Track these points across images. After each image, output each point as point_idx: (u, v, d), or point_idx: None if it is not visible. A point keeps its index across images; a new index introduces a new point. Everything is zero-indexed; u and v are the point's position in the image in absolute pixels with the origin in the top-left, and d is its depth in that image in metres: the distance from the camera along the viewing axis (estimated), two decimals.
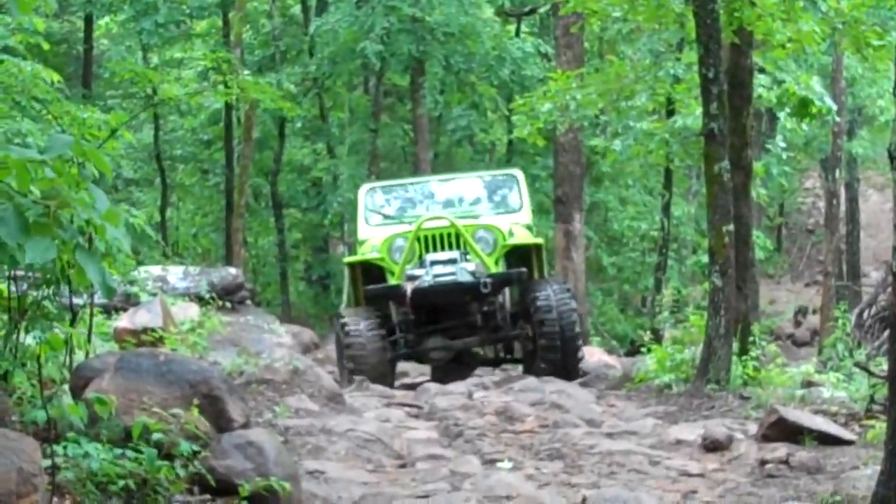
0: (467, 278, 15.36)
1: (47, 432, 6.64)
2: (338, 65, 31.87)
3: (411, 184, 19.90)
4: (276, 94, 16.69)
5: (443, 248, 15.80)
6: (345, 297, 30.04)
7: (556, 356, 15.42)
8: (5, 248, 4.32)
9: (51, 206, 4.36)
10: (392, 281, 15.84)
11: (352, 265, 17.41)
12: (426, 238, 15.87)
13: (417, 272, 15.47)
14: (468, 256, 15.68)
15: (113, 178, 32.40)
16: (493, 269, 15.68)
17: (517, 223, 17.08)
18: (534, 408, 13.03)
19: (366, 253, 16.60)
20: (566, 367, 15.49)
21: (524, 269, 15.92)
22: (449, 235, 15.84)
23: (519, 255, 16.32)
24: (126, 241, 4.65)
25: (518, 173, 18.94)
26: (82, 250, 4.43)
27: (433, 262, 15.56)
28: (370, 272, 16.40)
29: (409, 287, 15.21)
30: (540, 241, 17.41)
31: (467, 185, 19.03)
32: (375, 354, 15.32)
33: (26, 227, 4.28)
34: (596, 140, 30.31)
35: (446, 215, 16.18)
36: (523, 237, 16.61)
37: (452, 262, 15.53)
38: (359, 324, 15.45)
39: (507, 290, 16.68)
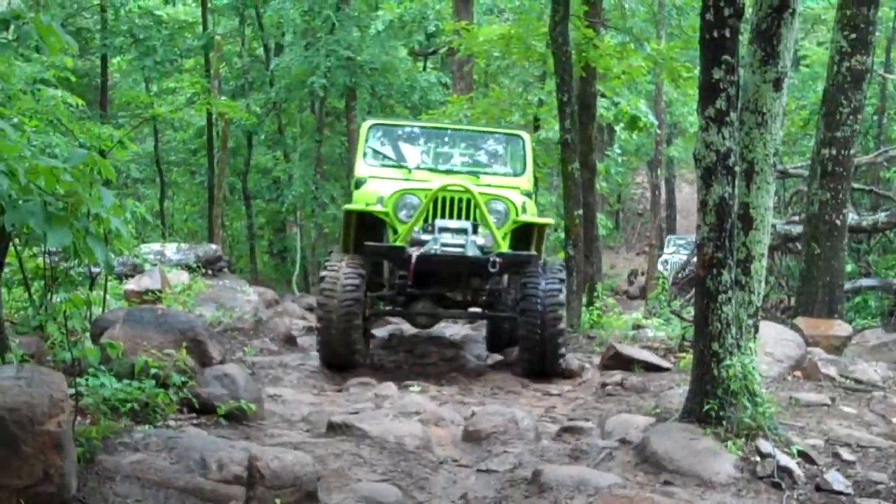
0: (476, 253, 10.87)
1: (72, 369, 6.58)
2: (291, 92, 31.73)
3: (416, 127, 14.14)
4: (238, 107, 16.10)
5: (453, 213, 11.21)
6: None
7: (535, 351, 10.99)
8: (34, 234, 4.29)
9: (69, 203, 4.32)
10: (393, 238, 11.34)
11: (349, 211, 11.96)
12: (438, 198, 11.22)
13: (424, 237, 11.00)
14: (479, 228, 11.13)
15: (123, 178, 32.23)
16: (502, 245, 11.12)
17: (518, 188, 12.43)
18: (437, 347, 13.04)
19: (369, 204, 11.55)
20: (544, 363, 11.01)
21: (534, 253, 11.42)
22: (461, 200, 11.21)
23: (524, 231, 11.71)
24: (125, 229, 4.62)
25: (524, 135, 13.40)
26: (91, 236, 4.39)
27: (442, 230, 11.04)
28: (367, 221, 11.66)
29: (414, 253, 10.72)
30: (550, 221, 12.95)
31: (472, 140, 13.69)
32: (346, 309, 10.80)
33: (49, 218, 4.24)
34: None
35: (467, 184, 11.23)
36: (533, 214, 11.99)
37: (463, 232, 11.02)
38: (338, 271, 10.98)
39: None
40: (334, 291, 10.71)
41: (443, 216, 11.13)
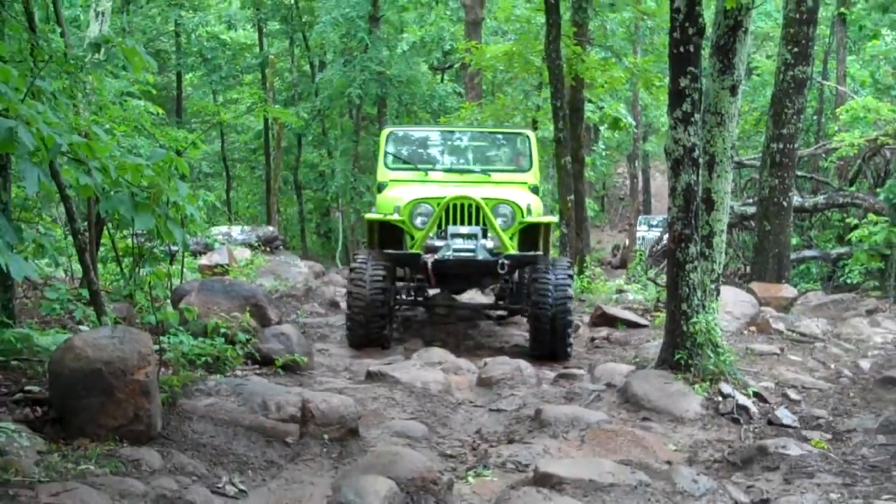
0: (486, 257, 9.84)
1: (156, 329, 6.61)
2: (333, 101, 31.55)
3: (430, 131, 12.56)
4: (289, 114, 15.89)
5: (464, 218, 10.08)
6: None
7: (545, 339, 9.67)
8: (124, 219, 4.31)
9: (151, 193, 4.32)
10: (410, 243, 10.28)
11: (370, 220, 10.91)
12: (449, 206, 10.11)
13: (438, 243, 10.00)
14: (488, 232, 10.09)
15: (195, 173, 32.25)
16: (510, 247, 10.03)
17: (527, 182, 11.36)
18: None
19: (387, 214, 10.40)
20: (554, 350, 9.69)
21: (539, 253, 10.32)
22: (471, 206, 10.06)
23: (531, 229, 10.52)
24: (197, 214, 4.64)
25: (530, 133, 12.06)
26: (171, 220, 4.40)
27: (454, 235, 10.03)
28: (387, 225, 10.60)
29: (429, 259, 9.77)
30: (553, 219, 11.64)
31: (482, 140, 12.34)
32: (373, 303, 9.78)
33: (136, 206, 4.25)
34: None
35: (474, 193, 10.16)
36: (538, 214, 10.78)
37: (473, 237, 10.00)
38: (366, 267, 9.91)
39: None
40: (363, 285, 9.73)
41: (455, 221, 10.09)
